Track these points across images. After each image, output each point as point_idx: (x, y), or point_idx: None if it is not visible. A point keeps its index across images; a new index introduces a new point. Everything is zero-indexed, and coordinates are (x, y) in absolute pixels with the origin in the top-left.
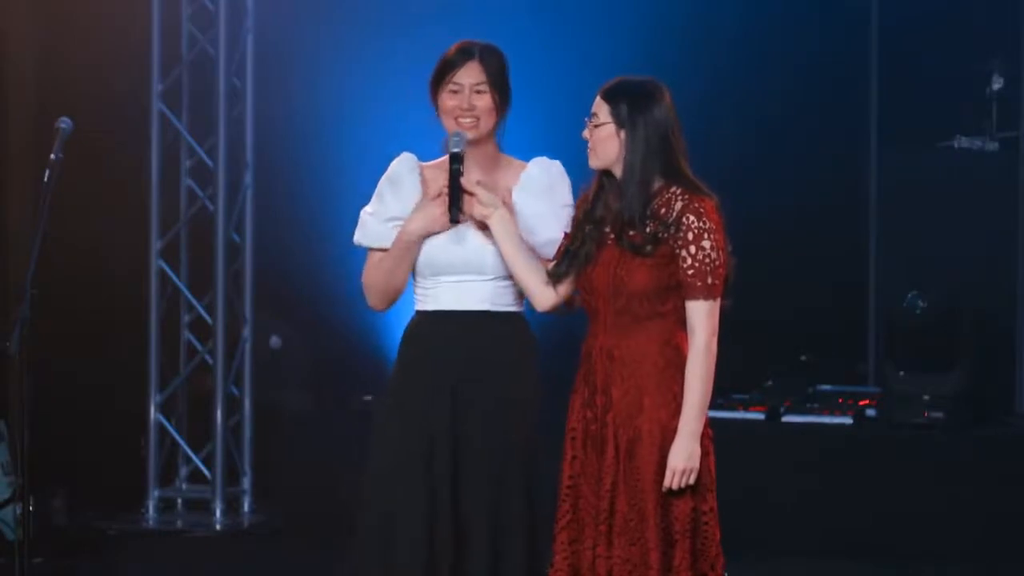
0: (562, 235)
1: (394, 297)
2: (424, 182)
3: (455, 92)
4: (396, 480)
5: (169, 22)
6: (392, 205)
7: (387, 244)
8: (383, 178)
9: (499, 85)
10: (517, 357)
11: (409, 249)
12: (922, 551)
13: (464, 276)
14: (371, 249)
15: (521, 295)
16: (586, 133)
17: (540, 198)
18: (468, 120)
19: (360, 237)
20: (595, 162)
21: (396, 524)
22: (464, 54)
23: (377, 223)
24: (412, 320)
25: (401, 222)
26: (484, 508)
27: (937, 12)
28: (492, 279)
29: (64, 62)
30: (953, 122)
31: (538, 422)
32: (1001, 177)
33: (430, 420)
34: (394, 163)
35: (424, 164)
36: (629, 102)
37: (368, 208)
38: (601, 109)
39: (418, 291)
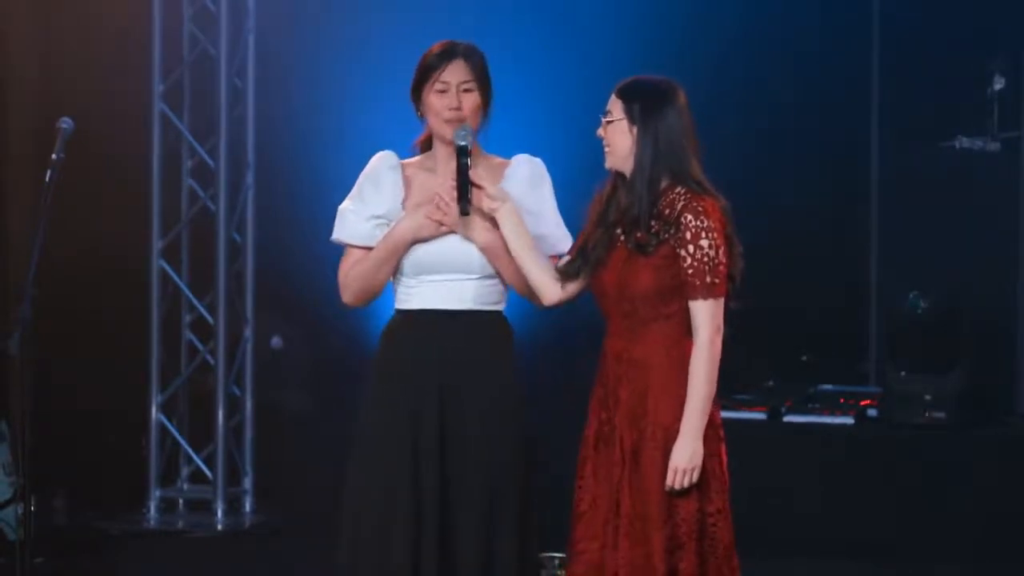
0: (552, 231)
1: (372, 296)
2: (407, 182)
3: (442, 92)
4: (383, 479)
5: (170, 23)
6: (373, 203)
7: (369, 243)
8: (363, 175)
9: (484, 84)
10: (502, 356)
11: (396, 252)
12: (922, 551)
13: (450, 275)
14: (349, 246)
15: (503, 294)
16: (600, 131)
17: (528, 194)
18: (456, 119)
19: (340, 234)
20: (610, 160)
21: (384, 523)
22: (449, 53)
23: (358, 221)
24: (393, 319)
25: (382, 221)
26: (476, 507)
27: (938, 12)
28: (478, 278)
29: (65, 63)
30: (954, 122)
31: (524, 420)
32: (1002, 177)
33: (419, 420)
34: (374, 160)
35: (405, 162)
36: (643, 100)
37: (347, 204)
38: (615, 107)
39: (400, 289)
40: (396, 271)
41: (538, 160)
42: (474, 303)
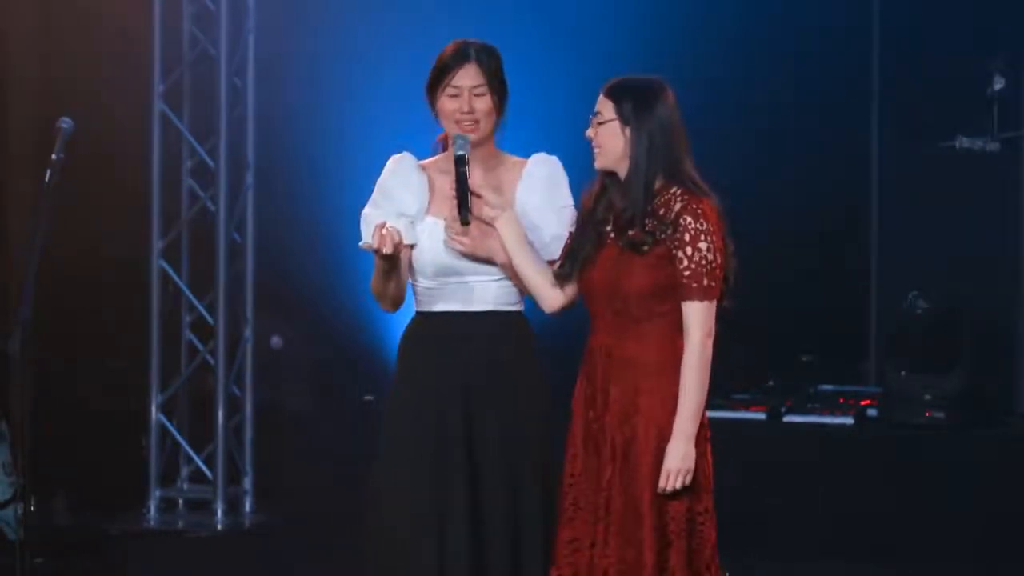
0: (566, 232)
1: (401, 300)
2: (430, 183)
3: (454, 96)
4: (410, 481)
5: (170, 22)
6: (402, 203)
7: (404, 240)
8: (385, 177)
9: (497, 86)
10: (524, 356)
11: (383, 268)
12: (922, 551)
13: (471, 277)
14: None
15: (522, 294)
16: (590, 132)
17: (543, 195)
18: (468, 123)
19: (368, 238)
20: (601, 161)
21: (411, 525)
22: (461, 56)
23: (388, 220)
24: (414, 321)
25: (409, 220)
26: (502, 507)
27: (938, 12)
28: (498, 280)
29: (65, 62)
30: (954, 122)
31: (549, 420)
32: (1002, 177)
33: (444, 422)
34: (394, 162)
35: (423, 163)
36: (634, 100)
37: (370, 209)
38: (605, 107)
39: (420, 292)
40: (416, 272)
41: (555, 159)
42: (495, 304)
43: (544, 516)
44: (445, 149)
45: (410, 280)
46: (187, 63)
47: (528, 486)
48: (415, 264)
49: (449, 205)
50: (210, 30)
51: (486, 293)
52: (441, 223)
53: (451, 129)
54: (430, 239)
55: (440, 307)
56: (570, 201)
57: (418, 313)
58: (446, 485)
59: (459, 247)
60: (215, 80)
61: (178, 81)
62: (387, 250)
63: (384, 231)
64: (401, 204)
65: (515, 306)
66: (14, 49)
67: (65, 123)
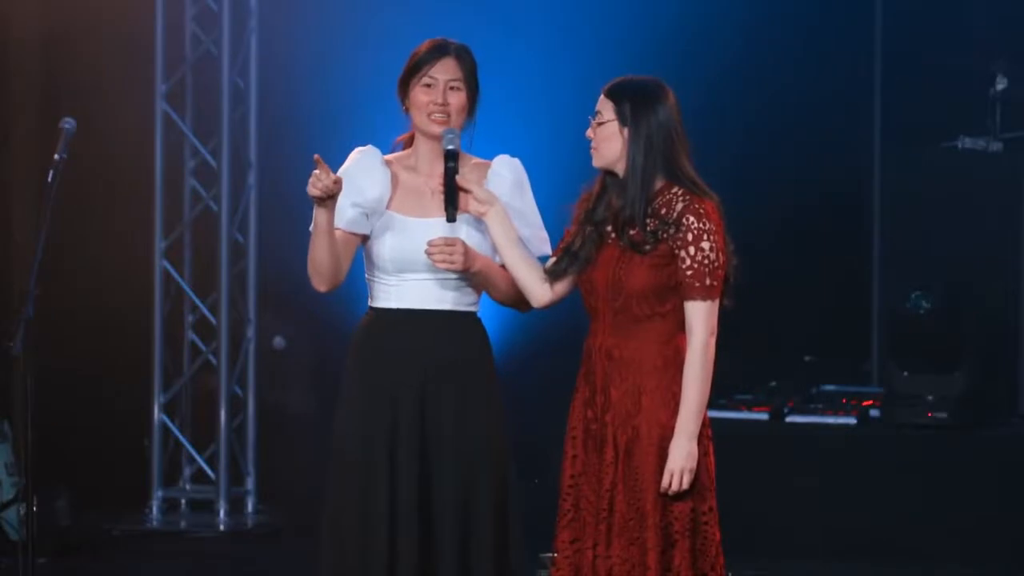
0: (536, 233)
1: (335, 279)
2: (393, 178)
3: (429, 86)
4: (363, 481)
5: (173, 22)
6: (364, 191)
7: (352, 228)
8: (347, 165)
9: (472, 84)
10: (482, 357)
11: (322, 232)
12: (923, 551)
13: (431, 275)
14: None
15: (478, 296)
16: (589, 132)
17: (511, 196)
18: (440, 115)
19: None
20: (598, 161)
21: (362, 524)
22: (440, 50)
23: (345, 205)
24: (369, 317)
25: (365, 211)
26: (452, 507)
27: (941, 12)
28: (457, 279)
29: (68, 63)
30: (957, 122)
31: (505, 423)
32: (1005, 177)
33: (398, 420)
34: (362, 154)
35: (387, 157)
36: (633, 100)
37: None
38: (605, 107)
39: (378, 287)
40: (374, 268)
41: (517, 161)
42: (453, 303)
43: (496, 518)
44: (406, 149)
45: (366, 275)
46: (189, 63)
47: (480, 488)
48: (374, 258)
49: (413, 201)
50: (212, 30)
51: (445, 292)
52: (407, 220)
53: (421, 122)
54: (392, 235)
55: (396, 304)
56: (534, 202)
57: (372, 308)
58: (399, 486)
59: (452, 267)
60: (217, 80)
61: (180, 81)
62: (315, 191)
63: (318, 172)
64: (358, 193)
65: (472, 307)
66: (16, 49)
67: (67, 123)
